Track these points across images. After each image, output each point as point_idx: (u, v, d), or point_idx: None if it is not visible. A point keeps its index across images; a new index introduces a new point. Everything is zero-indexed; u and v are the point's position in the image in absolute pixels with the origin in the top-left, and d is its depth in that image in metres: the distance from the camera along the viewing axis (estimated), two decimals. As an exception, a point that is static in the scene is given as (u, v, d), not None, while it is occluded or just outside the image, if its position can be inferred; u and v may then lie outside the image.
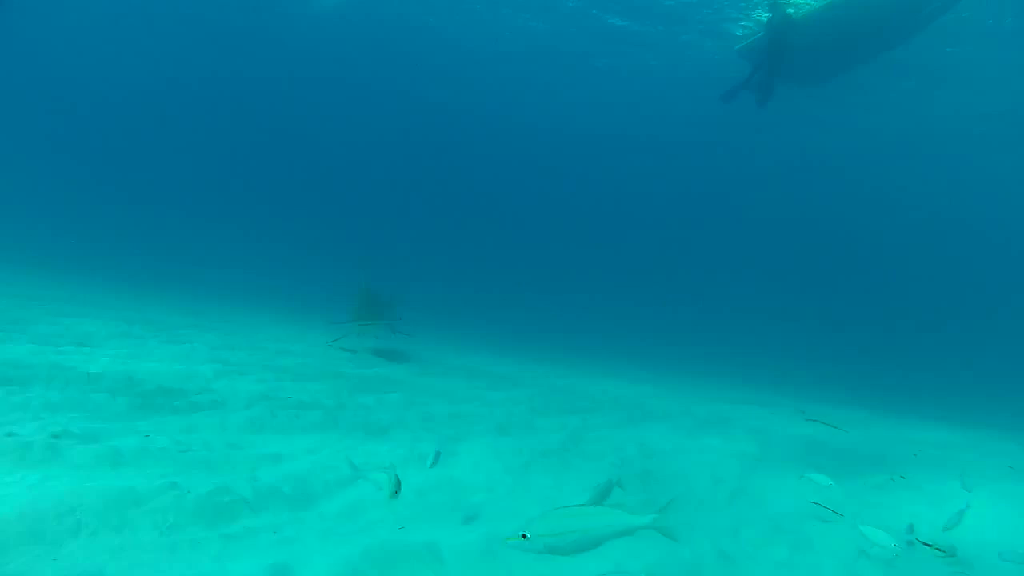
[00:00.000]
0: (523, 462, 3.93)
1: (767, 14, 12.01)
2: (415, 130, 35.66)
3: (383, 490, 2.33)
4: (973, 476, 5.01)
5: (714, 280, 38.59)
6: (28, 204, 25.70)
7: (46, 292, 8.88)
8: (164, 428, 3.52)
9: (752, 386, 11.19)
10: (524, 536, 1.73)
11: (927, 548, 3.33)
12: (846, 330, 30.00)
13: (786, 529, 3.35)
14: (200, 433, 3.54)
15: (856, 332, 29.64)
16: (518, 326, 17.48)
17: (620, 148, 32.17)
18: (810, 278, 39.04)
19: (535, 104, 28.39)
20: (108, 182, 36.78)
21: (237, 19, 25.08)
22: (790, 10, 12.01)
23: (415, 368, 7.52)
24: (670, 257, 41.33)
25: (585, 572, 2.45)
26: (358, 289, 8.68)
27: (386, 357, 7.99)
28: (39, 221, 21.47)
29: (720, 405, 7.94)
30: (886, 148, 23.87)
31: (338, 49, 26.62)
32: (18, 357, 4.55)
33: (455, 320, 16.27)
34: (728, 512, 3.55)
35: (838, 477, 4.66)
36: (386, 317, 8.41)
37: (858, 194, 30.13)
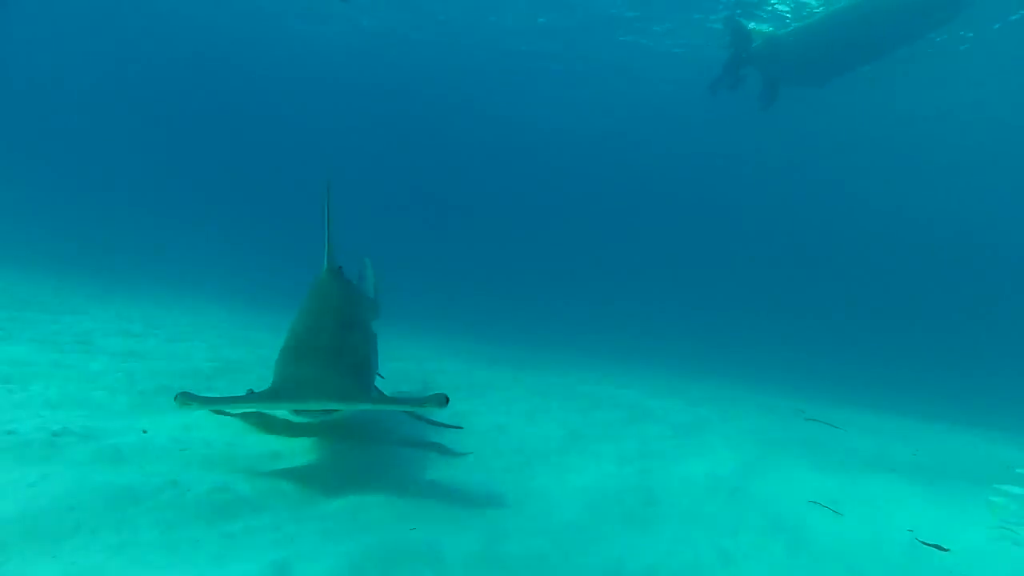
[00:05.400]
0: (522, 461, 3.93)
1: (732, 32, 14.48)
2: (421, 129, 35.66)
3: None
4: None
5: (714, 280, 38.57)
6: (27, 203, 25.68)
7: (45, 291, 8.87)
8: (164, 426, 3.52)
9: (752, 385, 11.19)
10: None
11: (928, 548, 3.33)
12: (846, 329, 29.99)
13: (786, 528, 3.35)
14: (200, 431, 3.54)
15: (857, 331, 29.64)
16: (515, 325, 17.48)
17: (619, 148, 32.15)
18: (810, 277, 39.01)
19: (533, 104, 28.36)
20: (106, 181, 36.73)
21: (228, 21, 25.18)
22: (752, 25, 14.08)
23: (409, 367, 7.51)
24: (668, 256, 41.32)
25: (585, 571, 2.45)
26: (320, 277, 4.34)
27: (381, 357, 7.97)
28: (38, 220, 21.45)
29: (720, 404, 7.95)
30: (887, 145, 23.86)
31: (325, 47, 26.74)
32: (18, 355, 4.55)
33: (450, 319, 16.27)
34: (727, 511, 3.55)
35: (837, 476, 4.66)
36: (369, 335, 4.22)
37: (859, 191, 30.12)
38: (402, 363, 7.57)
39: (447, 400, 2.82)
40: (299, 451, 3.47)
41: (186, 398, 2.78)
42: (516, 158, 38.38)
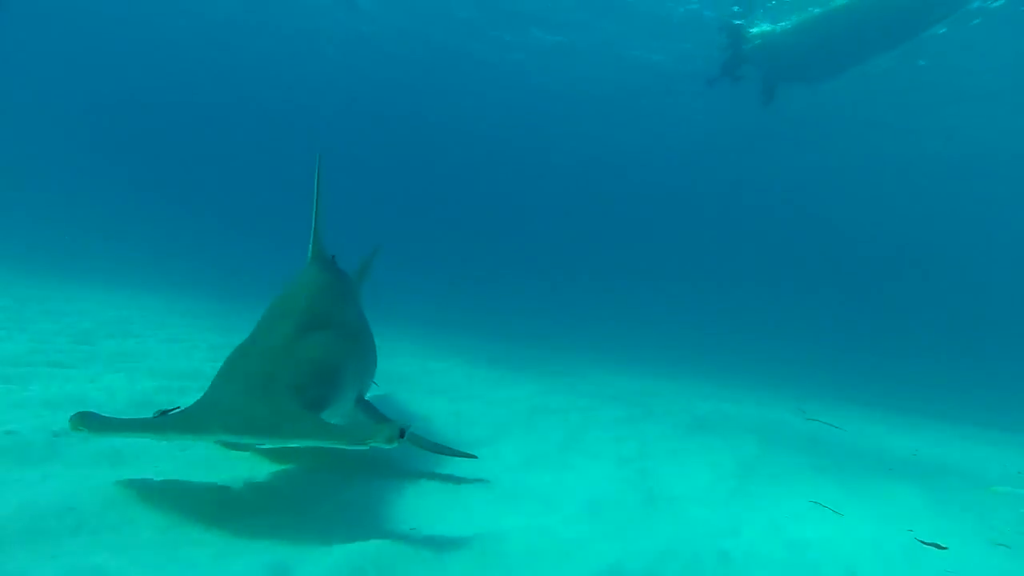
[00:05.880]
0: (522, 460, 3.93)
1: (734, 36, 15.02)
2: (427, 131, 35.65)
3: None
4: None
5: (714, 279, 38.56)
6: (27, 203, 25.69)
7: (45, 290, 8.88)
8: (164, 426, 3.51)
9: (753, 385, 11.20)
10: None
11: (927, 548, 3.33)
12: (848, 329, 29.98)
13: (786, 528, 3.35)
14: (200, 431, 3.53)
15: (858, 331, 29.63)
16: (517, 324, 17.48)
17: (621, 147, 32.13)
18: (810, 277, 38.98)
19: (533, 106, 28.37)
20: (107, 180, 36.75)
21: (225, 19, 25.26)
22: (754, 29, 14.89)
23: (413, 366, 7.52)
24: (670, 258, 41.30)
25: (584, 571, 2.45)
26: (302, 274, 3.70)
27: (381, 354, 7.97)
28: (38, 220, 21.45)
29: (721, 404, 7.95)
30: (888, 144, 23.84)
31: (324, 49, 26.83)
32: (18, 355, 4.55)
33: (452, 317, 16.28)
34: (727, 511, 3.56)
35: (837, 476, 4.66)
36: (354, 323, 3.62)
37: (860, 190, 30.09)
38: (405, 359, 7.58)
39: (403, 433, 2.13)
40: (299, 451, 3.47)
41: (76, 422, 2.20)
42: (516, 160, 38.39)
